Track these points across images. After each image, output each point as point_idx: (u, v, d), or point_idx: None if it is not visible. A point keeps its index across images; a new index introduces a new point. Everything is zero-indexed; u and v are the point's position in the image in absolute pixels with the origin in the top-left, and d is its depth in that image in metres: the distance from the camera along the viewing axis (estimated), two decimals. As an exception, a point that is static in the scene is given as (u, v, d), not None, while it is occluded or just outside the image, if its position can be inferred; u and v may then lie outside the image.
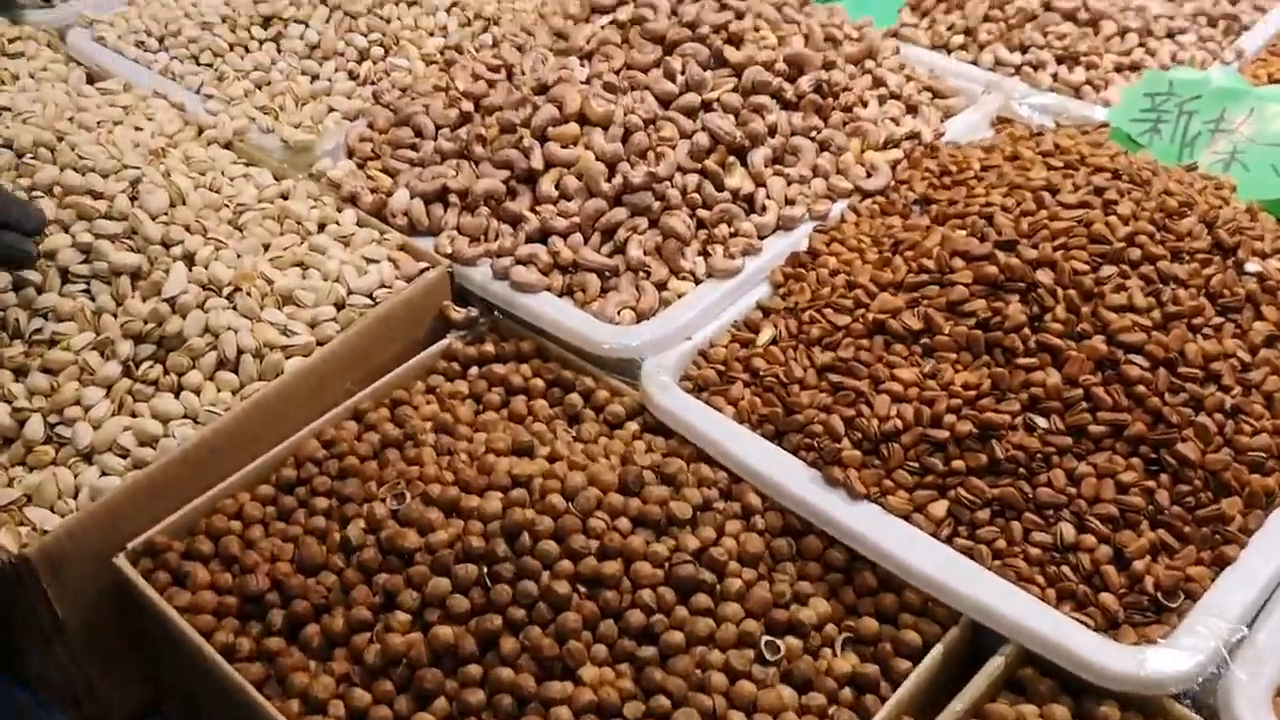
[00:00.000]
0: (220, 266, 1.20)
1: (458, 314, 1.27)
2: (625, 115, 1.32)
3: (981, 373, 1.02)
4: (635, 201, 1.27)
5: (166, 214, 1.25)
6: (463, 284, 1.29)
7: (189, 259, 1.21)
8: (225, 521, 1.07)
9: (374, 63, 1.61)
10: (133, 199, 1.26)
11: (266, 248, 1.28)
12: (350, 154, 1.47)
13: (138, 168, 1.29)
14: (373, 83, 1.60)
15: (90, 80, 1.65)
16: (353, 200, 1.37)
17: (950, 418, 1.00)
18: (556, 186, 1.31)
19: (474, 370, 1.24)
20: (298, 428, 1.16)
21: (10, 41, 1.70)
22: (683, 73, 1.36)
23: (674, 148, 1.31)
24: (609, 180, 1.28)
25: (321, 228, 1.33)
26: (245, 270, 1.21)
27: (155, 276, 1.18)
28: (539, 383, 1.20)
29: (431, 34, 1.64)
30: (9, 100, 1.39)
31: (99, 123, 1.41)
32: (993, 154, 1.26)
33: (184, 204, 1.27)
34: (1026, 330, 1.03)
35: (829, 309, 1.14)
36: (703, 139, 1.31)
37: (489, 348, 1.25)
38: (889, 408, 1.03)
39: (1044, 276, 1.05)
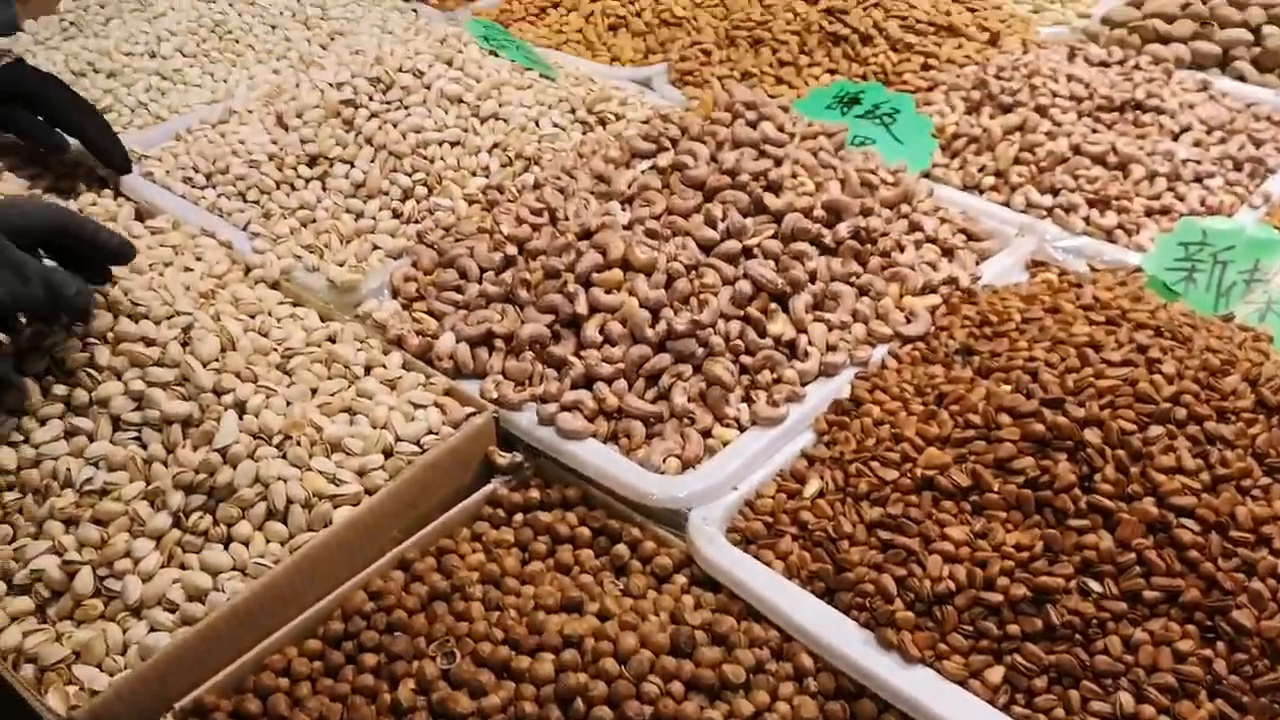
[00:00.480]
0: (270, 415, 1.21)
1: (503, 459, 1.28)
2: (668, 262, 1.34)
3: (1033, 533, 1.02)
4: (679, 348, 1.29)
5: (218, 360, 1.26)
6: (508, 428, 1.30)
7: (240, 407, 1.22)
8: (273, 679, 1.06)
9: (417, 201, 1.64)
10: (184, 345, 1.27)
11: (314, 392, 1.29)
12: (395, 294, 1.49)
13: (189, 314, 1.31)
14: (416, 221, 1.63)
15: (139, 217, 1.68)
16: (399, 343, 1.38)
17: (1004, 580, 1.00)
18: (601, 332, 1.32)
19: (519, 517, 1.24)
20: (345, 578, 1.16)
21: (60, 178, 1.74)
22: (723, 219, 1.38)
23: (716, 294, 1.32)
24: (653, 326, 1.30)
25: (368, 370, 1.34)
26: (295, 419, 1.22)
27: (207, 426, 1.19)
28: (585, 531, 1.20)
29: (474, 174, 1.67)
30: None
31: (150, 265, 1.43)
32: (1033, 305, 1.27)
33: (234, 349, 1.29)
34: (1077, 490, 1.03)
35: (876, 462, 1.14)
36: (745, 286, 1.32)
37: (534, 494, 1.25)
38: (941, 568, 1.02)
39: (1092, 436, 1.05)
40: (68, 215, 1.25)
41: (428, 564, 1.18)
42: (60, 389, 1.24)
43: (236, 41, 2.18)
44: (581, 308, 1.33)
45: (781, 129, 1.51)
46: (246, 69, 2.14)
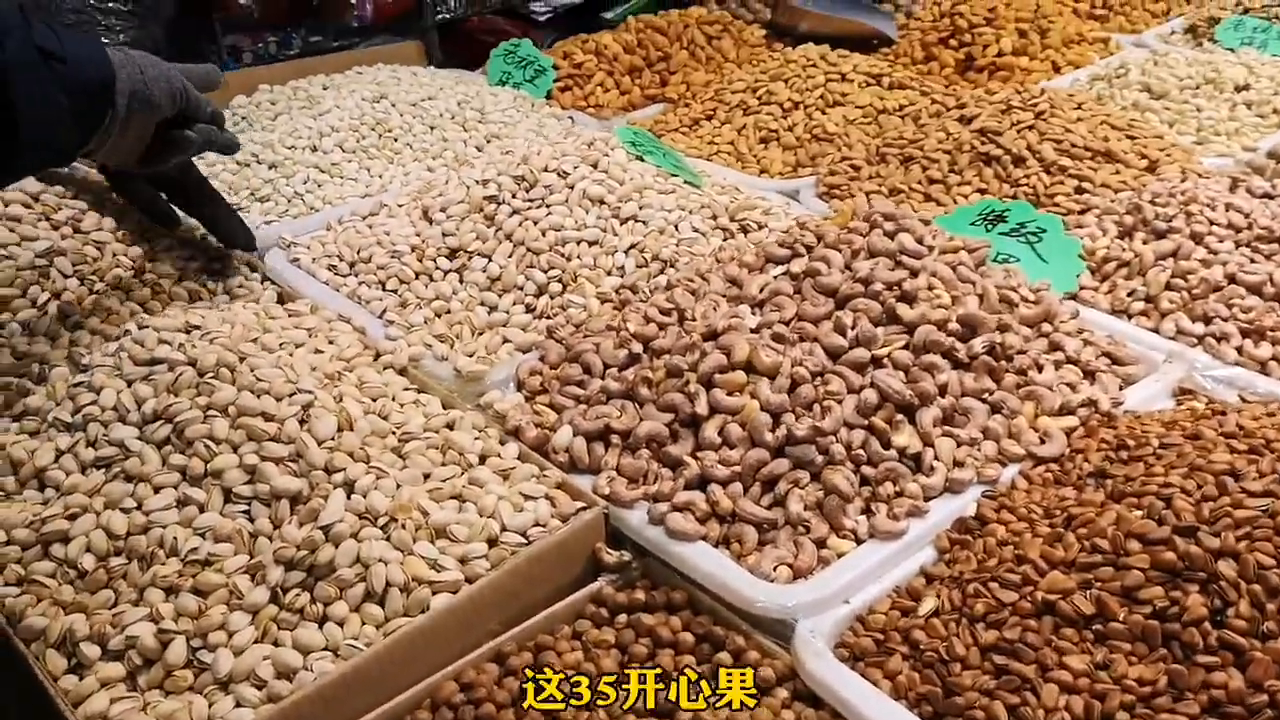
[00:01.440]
0: (379, 496, 1.22)
1: (611, 557, 1.26)
2: (793, 366, 1.32)
3: (1158, 668, 0.96)
4: (798, 454, 1.26)
5: (333, 439, 1.28)
6: (618, 526, 1.29)
7: (349, 486, 1.24)
8: (357, 761, 1.05)
9: (551, 297, 1.66)
10: (302, 423, 1.30)
11: (426, 477, 1.30)
12: (520, 386, 1.50)
13: (310, 392, 1.33)
14: (548, 317, 1.64)
15: (281, 300, 1.73)
16: (516, 434, 1.39)
17: (1124, 715, 0.94)
18: (720, 433, 1.30)
19: (622, 618, 1.22)
20: (438, 667, 1.15)
21: (212, 259, 1.81)
22: (853, 327, 1.36)
23: (840, 402, 1.29)
24: (773, 431, 1.27)
25: (483, 459, 1.35)
26: (403, 502, 1.22)
27: (314, 503, 1.20)
28: (688, 637, 1.17)
29: (609, 273, 1.69)
30: (200, 319, 1.46)
31: (281, 344, 1.47)
32: (1173, 430, 1.21)
33: (351, 430, 1.31)
34: (1207, 625, 0.97)
35: (995, 583, 1.09)
36: (871, 395, 1.29)
37: (639, 595, 1.23)
38: (1057, 699, 0.97)
39: (1226, 568, 0.99)
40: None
41: (523, 659, 1.16)
42: (178, 459, 1.27)
43: (395, 140, 2.26)
44: (702, 408, 1.32)
45: (920, 241, 1.49)
46: (403, 165, 2.21)
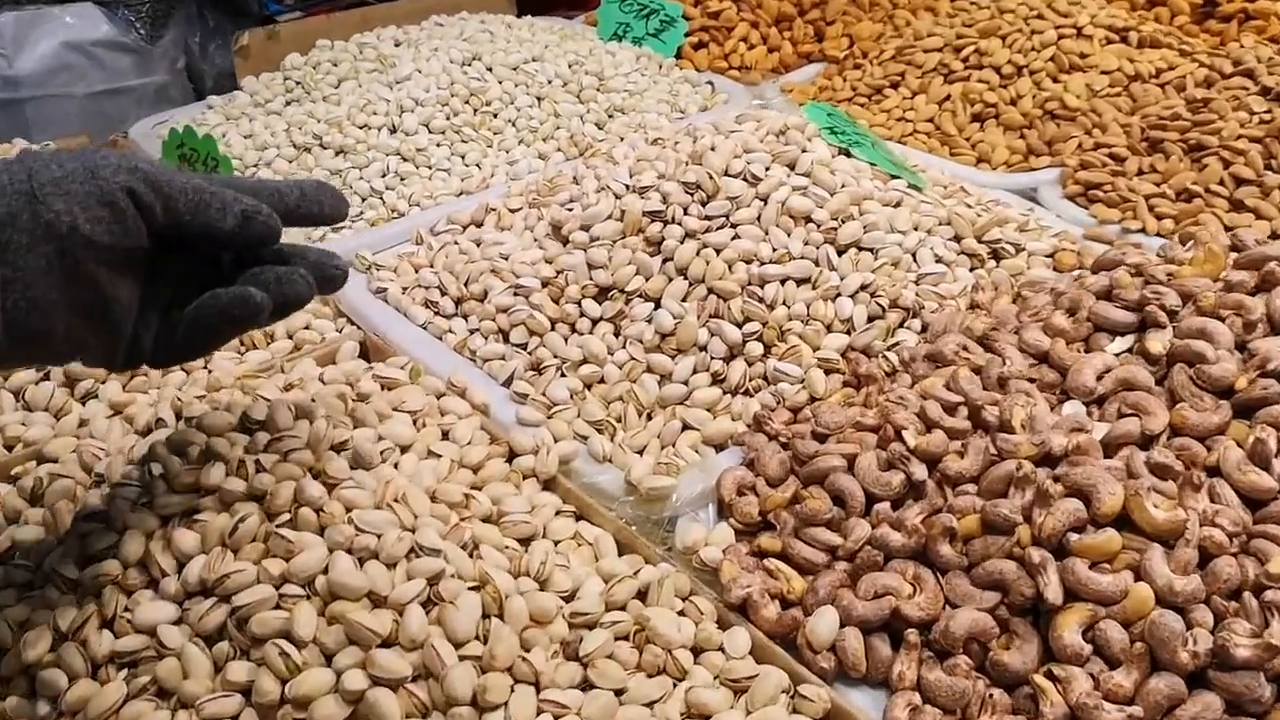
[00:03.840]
0: (563, 760, 0.77)
1: (923, 846, 0.80)
2: (1201, 526, 0.85)
3: None
4: (1235, 687, 0.79)
5: (479, 640, 0.83)
6: (926, 788, 0.83)
7: (514, 738, 0.78)
8: None
9: (749, 364, 1.19)
10: (427, 605, 0.84)
11: (620, 699, 0.84)
12: (724, 512, 1.04)
13: (438, 552, 0.88)
14: (748, 393, 1.18)
15: (364, 353, 1.28)
16: (744, 611, 0.93)
17: None
18: (1088, 638, 0.84)
19: None
20: None
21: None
22: (1279, 454, 0.88)
23: (1288, 592, 0.82)
24: (1185, 644, 0.81)
25: (697, 655, 0.89)
26: (600, 771, 0.77)
27: (463, 778, 0.75)
28: None
29: (829, 328, 1.21)
30: (265, 411, 1.00)
31: (382, 451, 1.01)
32: None
33: (501, 618, 0.85)
34: None
35: None
36: (1344, 582, 0.82)
37: None
38: None
39: None
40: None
41: None
42: (239, 670, 0.82)
43: (494, 116, 1.79)
44: (1053, 592, 0.85)
45: (1338, 302, 1.01)
46: (505, 150, 1.75)
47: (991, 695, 0.84)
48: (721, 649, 0.90)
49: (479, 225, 1.50)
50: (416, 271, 1.42)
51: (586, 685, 0.84)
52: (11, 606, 0.88)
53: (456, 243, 1.45)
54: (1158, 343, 0.99)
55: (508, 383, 1.23)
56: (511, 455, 1.10)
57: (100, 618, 0.87)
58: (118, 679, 0.84)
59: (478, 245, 1.43)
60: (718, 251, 1.25)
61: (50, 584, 0.90)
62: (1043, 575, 0.85)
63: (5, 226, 0.70)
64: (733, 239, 1.26)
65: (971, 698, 0.84)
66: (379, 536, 0.88)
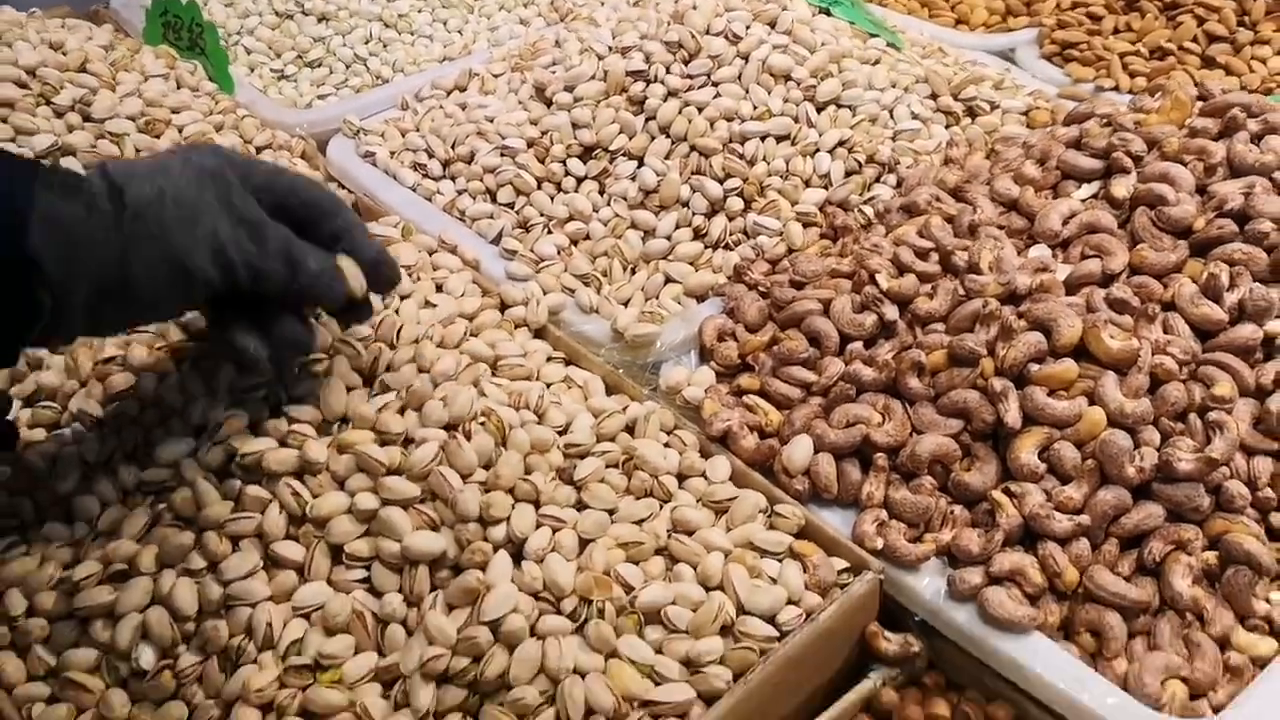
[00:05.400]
0: (559, 562, 0.86)
1: (891, 644, 0.91)
2: (1153, 354, 0.94)
3: None
4: (1176, 497, 0.89)
5: (486, 467, 0.92)
6: (891, 594, 0.93)
7: (515, 548, 0.87)
8: None
9: (730, 218, 1.27)
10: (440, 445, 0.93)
11: (612, 519, 0.93)
12: (705, 356, 1.13)
13: (451, 380, 0.97)
14: (728, 247, 1.26)
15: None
16: (725, 441, 1.02)
17: None
18: (1043, 457, 0.93)
19: (917, 739, 0.87)
20: (666, 835, 0.81)
21: (258, 151, 1.42)
22: (1231, 288, 0.97)
23: (1231, 412, 0.92)
24: (1133, 461, 0.90)
25: (681, 480, 0.98)
26: (596, 572, 0.86)
27: (468, 579, 0.84)
28: (1032, 787, 0.82)
29: (807, 182, 1.29)
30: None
31: (385, 300, 1.09)
32: None
33: (504, 448, 0.93)
34: None
35: None
36: None
37: (940, 707, 0.88)
38: None
39: None
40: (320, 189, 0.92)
41: (786, 818, 0.82)
42: (257, 491, 0.90)
43: (474, -20, 1.84)
44: (1012, 416, 0.94)
45: (1292, 147, 1.09)
46: (487, 17, 1.81)
47: (952, 511, 0.94)
48: (704, 475, 0.99)
49: (463, 90, 1.56)
50: (403, 136, 1.48)
51: (581, 506, 0.93)
52: (43, 442, 0.97)
53: (441, 107, 1.52)
54: (1122, 187, 1.07)
55: (496, 240, 1.30)
56: (503, 307, 1.18)
57: (124, 452, 0.95)
58: (144, 504, 0.92)
59: (463, 109, 1.49)
60: (699, 110, 1.32)
61: (77, 421, 0.98)
62: (1003, 402, 0.94)
63: (100, 297, 0.77)
64: (714, 97, 1.33)
65: (934, 513, 0.93)
66: (399, 371, 0.97)
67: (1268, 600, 0.87)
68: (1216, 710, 0.82)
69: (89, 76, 1.35)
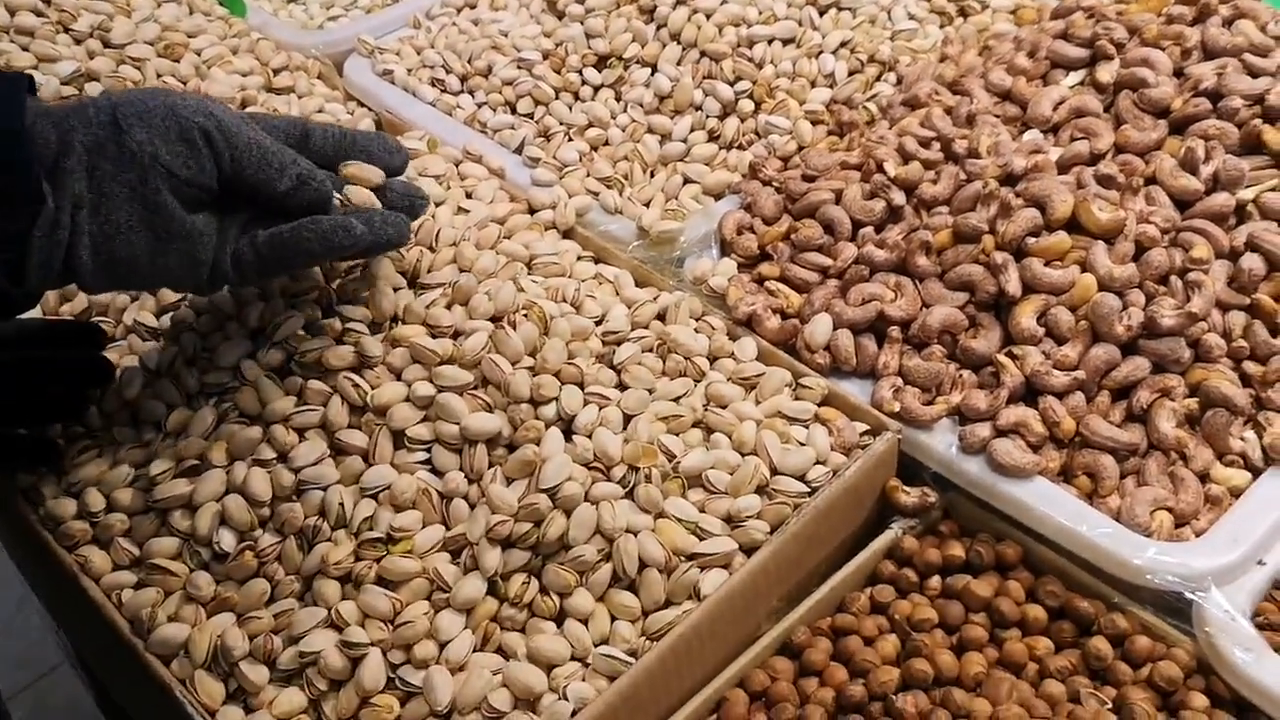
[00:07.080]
0: (608, 436, 0.99)
1: (909, 497, 1.04)
2: (1138, 224, 1.06)
3: None
4: (1161, 350, 1.02)
5: (532, 355, 1.04)
6: (909, 453, 1.06)
7: (565, 424, 1.00)
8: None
9: (741, 120, 1.39)
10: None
11: (652, 397, 1.06)
12: (726, 249, 1.25)
13: (491, 277, 1.10)
14: (740, 147, 1.37)
15: (379, 129, 1.47)
16: (750, 324, 1.14)
17: None
18: (1041, 321, 1.06)
19: (935, 581, 1.00)
20: (714, 669, 0.95)
21: (276, 73, 1.53)
22: (1207, 161, 1.10)
23: (1208, 272, 1.04)
24: (1122, 320, 1.03)
25: (713, 361, 1.11)
26: (642, 441, 0.99)
27: (524, 454, 0.97)
28: (1039, 614, 0.96)
29: (814, 84, 1.41)
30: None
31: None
32: None
33: (548, 334, 1.06)
34: None
35: None
36: (1253, 261, 1.05)
37: (956, 548, 1.01)
38: None
39: None
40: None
41: (821, 650, 0.95)
42: (318, 384, 1.02)
43: (476, -102, 1.93)
44: (1013, 286, 1.07)
45: (1264, 29, 1.21)
46: (490, -68, 1.90)
47: (961, 375, 1.06)
48: (733, 356, 1.12)
49: (473, 7, 1.67)
50: (419, 53, 1.59)
51: (622, 387, 1.06)
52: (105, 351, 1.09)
53: (455, 24, 1.63)
54: (1106, 72, 1.19)
55: (519, 149, 1.42)
56: (531, 211, 1.30)
57: (184, 358, 1.08)
58: (209, 405, 1.04)
59: (475, 25, 1.60)
60: (708, 16, 1.43)
61: (133, 333, 1.11)
62: (1004, 274, 1.07)
63: (93, 153, 0.81)
64: (722, 3, 1.44)
65: (944, 378, 1.06)
66: (438, 272, 1.09)
67: (1242, 439, 1.00)
68: (1199, 534, 0.96)
69: (104, 3, 1.44)
